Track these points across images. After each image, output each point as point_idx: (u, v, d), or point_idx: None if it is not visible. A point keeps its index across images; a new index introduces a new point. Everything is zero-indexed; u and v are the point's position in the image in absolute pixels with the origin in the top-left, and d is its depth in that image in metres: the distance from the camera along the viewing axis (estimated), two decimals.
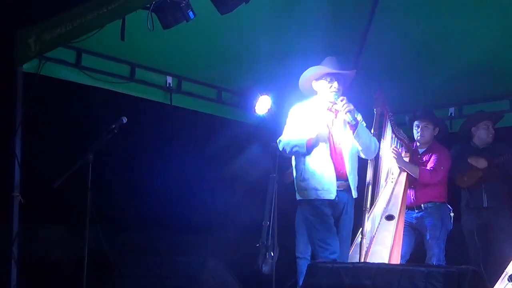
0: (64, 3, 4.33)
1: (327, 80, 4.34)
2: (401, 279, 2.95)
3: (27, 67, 4.64)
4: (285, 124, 4.49)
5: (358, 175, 4.46)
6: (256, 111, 6.12)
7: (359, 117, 4.35)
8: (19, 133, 4.56)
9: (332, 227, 4.26)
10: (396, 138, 5.09)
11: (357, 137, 4.24)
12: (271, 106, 6.16)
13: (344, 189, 4.27)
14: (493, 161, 5.27)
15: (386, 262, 4.32)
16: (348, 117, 4.19)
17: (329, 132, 4.30)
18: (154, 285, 4.09)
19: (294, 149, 4.27)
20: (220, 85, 6.07)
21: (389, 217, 4.72)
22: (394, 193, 4.94)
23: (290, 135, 4.34)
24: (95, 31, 4.16)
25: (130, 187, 6.06)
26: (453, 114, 6.32)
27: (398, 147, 5.12)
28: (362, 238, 4.58)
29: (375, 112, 4.87)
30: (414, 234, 5.19)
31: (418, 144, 5.33)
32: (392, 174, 5.14)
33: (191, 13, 3.98)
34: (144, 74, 5.43)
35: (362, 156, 4.45)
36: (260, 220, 5.11)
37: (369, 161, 4.77)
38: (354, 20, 5.86)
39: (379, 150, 4.82)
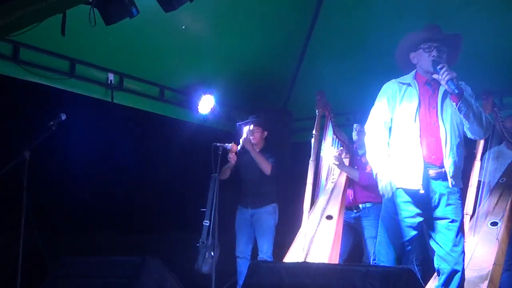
0: None
1: (424, 49, 3.69)
2: (340, 278, 3.00)
3: None
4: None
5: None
6: (199, 110, 6.11)
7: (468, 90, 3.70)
8: None
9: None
10: (337, 139, 5.17)
11: (464, 107, 3.54)
12: (214, 105, 6.17)
13: (438, 177, 3.66)
14: None
15: (326, 261, 4.37)
16: (450, 87, 3.49)
17: (424, 110, 3.70)
18: (91, 285, 4.00)
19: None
20: (162, 83, 6.02)
21: (329, 217, 4.79)
22: (334, 193, 5.02)
23: (375, 127, 3.79)
24: (34, 25, 4.05)
25: (68, 186, 5.91)
26: None
27: (339, 148, 5.21)
28: (302, 237, 4.63)
29: (316, 113, 4.91)
30: (352, 233, 5.29)
31: (357, 146, 5.42)
32: (333, 174, 5.22)
33: (134, 10, 3.94)
34: (85, 70, 5.33)
35: (470, 135, 3.73)
36: (201, 219, 5.10)
37: (310, 161, 4.81)
38: (297, 20, 5.93)
39: (321, 150, 4.88)
